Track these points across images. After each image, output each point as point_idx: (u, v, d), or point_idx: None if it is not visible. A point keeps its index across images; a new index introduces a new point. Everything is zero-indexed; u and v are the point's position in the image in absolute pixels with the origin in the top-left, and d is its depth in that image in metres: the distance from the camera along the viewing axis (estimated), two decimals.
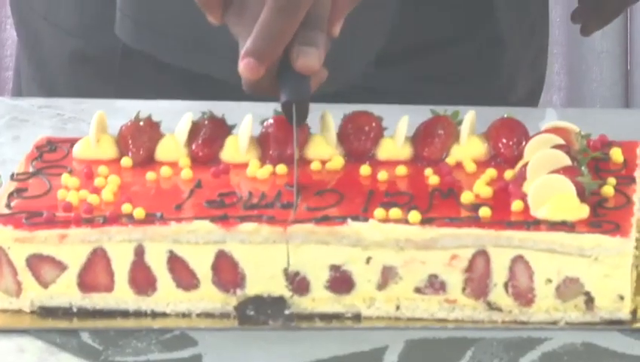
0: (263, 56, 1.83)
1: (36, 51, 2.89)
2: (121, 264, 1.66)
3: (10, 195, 1.76)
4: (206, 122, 1.87)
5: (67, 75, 2.69)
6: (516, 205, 1.65)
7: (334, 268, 1.64)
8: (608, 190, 1.69)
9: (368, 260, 1.64)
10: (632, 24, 4.17)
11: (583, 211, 1.62)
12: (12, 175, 1.85)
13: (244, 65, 1.81)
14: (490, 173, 1.72)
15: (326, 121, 1.84)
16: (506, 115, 1.90)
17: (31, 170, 1.86)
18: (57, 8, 2.76)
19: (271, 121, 1.90)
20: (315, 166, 1.80)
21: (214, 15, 1.95)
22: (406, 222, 1.62)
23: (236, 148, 1.85)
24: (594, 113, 2.52)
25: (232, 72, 2.04)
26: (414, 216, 1.61)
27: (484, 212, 1.62)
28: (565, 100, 4.97)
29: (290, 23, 1.83)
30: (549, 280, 1.63)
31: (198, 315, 1.70)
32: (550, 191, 1.66)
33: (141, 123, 1.86)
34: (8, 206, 1.72)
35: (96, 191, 1.73)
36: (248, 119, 1.82)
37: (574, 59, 4.80)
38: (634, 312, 1.65)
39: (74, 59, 2.72)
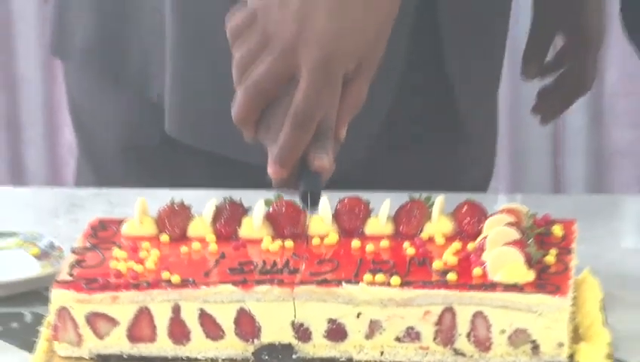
0: (285, 162, 2.01)
1: (88, 145, 3.20)
2: (162, 320, 1.87)
3: (72, 265, 1.95)
4: (227, 206, 2.09)
5: (115, 163, 2.95)
6: (477, 271, 1.87)
7: (331, 321, 1.86)
8: (550, 259, 1.94)
9: (358, 315, 1.87)
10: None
11: (530, 276, 1.84)
12: (72, 249, 2.03)
13: (271, 171, 2.01)
14: (456, 245, 1.96)
15: (324, 205, 2.06)
16: (467, 199, 2.17)
17: (87, 245, 2.03)
18: (107, 108, 3.05)
19: (278, 205, 2.16)
20: (315, 241, 2.03)
21: (249, 133, 2.11)
22: (389, 284, 1.86)
23: (251, 226, 2.08)
24: (536, 197, 2.75)
25: (260, 158, 2.26)
26: (395, 280, 1.85)
27: (451, 276, 1.86)
28: (507, 187, 4.87)
29: (305, 136, 1.99)
30: (503, 331, 1.86)
31: (224, 360, 1.90)
32: (504, 259, 1.86)
33: (175, 207, 2.08)
34: (70, 274, 1.92)
35: (141, 261, 1.94)
36: (261, 204, 2.06)
37: (515, 150, 4.78)
38: (571, 356, 1.88)
39: (120, 151, 2.96)
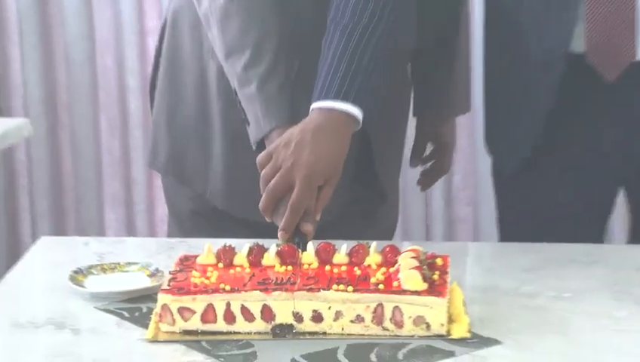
0: (287, 230, 2.23)
1: (175, 214, 3.11)
2: (220, 310, 1.97)
3: (169, 280, 2.04)
4: (255, 247, 2.17)
5: (190, 224, 2.89)
6: (395, 283, 2.00)
7: (314, 311, 1.97)
8: (435, 277, 2.04)
9: (329, 308, 1.97)
10: None
11: (424, 286, 1.98)
12: (170, 271, 2.11)
13: (280, 235, 2.24)
14: (383, 269, 2.07)
15: (310, 247, 2.19)
16: (389, 244, 2.27)
17: (177, 269, 2.11)
18: (183, 194, 3.00)
19: (283, 247, 2.20)
20: (305, 266, 2.11)
21: (268, 217, 2.31)
22: (346, 291, 1.97)
23: (269, 258, 2.12)
24: (426, 244, 2.77)
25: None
26: (350, 288, 1.98)
27: (381, 286, 1.99)
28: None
29: (296, 216, 2.23)
30: (410, 317, 1.95)
31: (254, 333, 1.98)
32: (410, 277, 1.98)
33: (226, 248, 2.16)
34: (168, 285, 2.03)
35: (207, 278, 2.03)
36: (274, 247, 2.16)
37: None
38: (448, 331, 1.96)
39: (193, 216, 2.91)
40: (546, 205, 2.65)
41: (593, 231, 2.65)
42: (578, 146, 2.58)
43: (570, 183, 2.61)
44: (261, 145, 2.54)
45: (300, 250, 2.24)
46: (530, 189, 2.70)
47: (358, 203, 2.91)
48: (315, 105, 2.32)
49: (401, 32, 2.64)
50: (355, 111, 2.30)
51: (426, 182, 3.18)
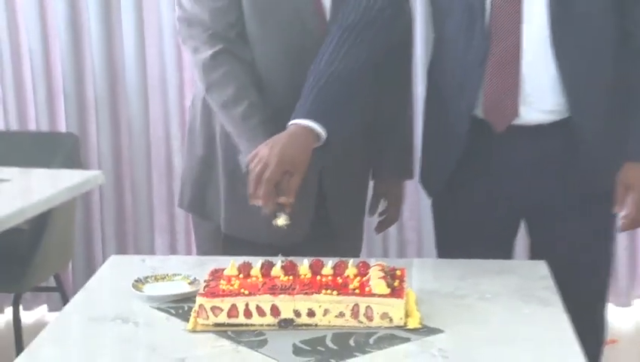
0: (264, 199, 2.18)
1: (200, 238, 3.02)
2: (241, 308, 1.95)
3: (204, 287, 2.01)
4: (265, 263, 2.11)
5: (217, 245, 2.74)
6: (367, 289, 1.98)
7: (309, 309, 1.96)
8: (397, 283, 2.02)
9: (320, 307, 1.96)
10: None
11: (388, 290, 1.97)
12: (204, 280, 2.07)
13: (262, 206, 2.23)
14: (358, 278, 2.02)
15: (304, 263, 2.12)
16: (362, 260, 2.23)
17: (210, 278, 2.06)
18: (207, 227, 2.89)
19: (285, 262, 2.13)
20: (302, 277, 2.05)
21: (253, 199, 2.25)
22: (332, 294, 1.96)
23: (276, 271, 2.07)
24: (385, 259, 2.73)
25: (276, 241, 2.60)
26: (335, 292, 1.97)
27: (357, 291, 1.98)
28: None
29: (270, 186, 2.17)
30: (378, 313, 1.95)
31: (266, 325, 1.94)
32: (378, 284, 1.97)
33: (244, 264, 2.11)
34: (204, 290, 2.01)
35: (232, 285, 2.01)
36: (279, 263, 2.10)
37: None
38: (405, 324, 1.93)
39: (216, 239, 2.76)
40: (466, 231, 2.62)
41: (503, 250, 2.64)
42: (484, 186, 2.55)
43: (482, 214, 2.58)
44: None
45: (279, 218, 2.23)
46: (454, 218, 2.67)
47: (322, 230, 2.76)
48: (291, 122, 2.31)
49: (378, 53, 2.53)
50: (317, 127, 2.27)
51: (380, 228, 3.09)
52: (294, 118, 2.33)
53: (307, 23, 2.54)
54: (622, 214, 2.49)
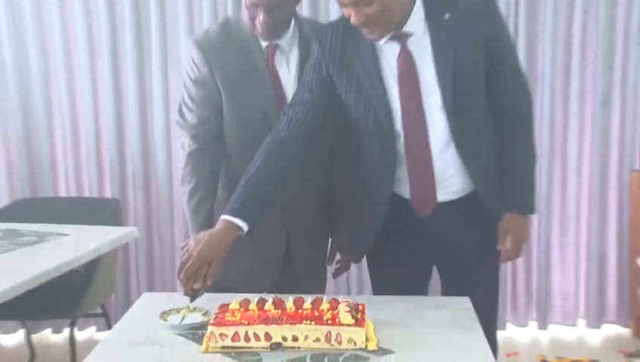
0: (184, 285, 2.11)
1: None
2: (241, 334, 1.89)
3: (214, 318, 1.95)
4: (260, 299, 2.04)
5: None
6: (337, 320, 1.91)
7: (294, 335, 1.89)
8: (359, 315, 1.94)
9: (302, 333, 1.89)
10: None
11: (352, 321, 1.91)
12: (214, 313, 1.99)
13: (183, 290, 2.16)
14: (331, 311, 1.95)
15: (289, 299, 2.06)
16: (333, 297, 2.08)
17: (218, 311, 1.98)
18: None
19: (274, 299, 2.06)
20: (288, 310, 1.97)
21: (181, 284, 2.16)
22: (310, 324, 1.90)
23: (268, 306, 1.98)
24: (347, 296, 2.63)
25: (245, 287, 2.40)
26: (312, 323, 1.91)
27: (329, 321, 1.91)
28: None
29: (188, 276, 2.07)
30: (345, 338, 1.88)
31: (260, 348, 1.88)
32: (345, 316, 1.92)
33: (244, 299, 2.02)
34: (213, 321, 1.94)
35: (234, 316, 1.94)
36: (270, 299, 2.04)
37: None
38: (366, 346, 1.87)
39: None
40: (394, 275, 2.55)
41: (421, 289, 2.59)
42: (406, 245, 2.47)
43: (403, 265, 2.52)
44: None
45: (190, 301, 2.16)
46: (386, 265, 2.59)
47: (289, 280, 2.61)
48: (222, 216, 2.23)
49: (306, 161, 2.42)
50: (240, 222, 2.18)
51: (336, 274, 2.83)
52: (224, 214, 2.25)
53: (271, 119, 2.42)
54: (503, 250, 2.47)
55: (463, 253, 2.51)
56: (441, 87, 2.27)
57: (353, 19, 2.14)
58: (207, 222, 2.51)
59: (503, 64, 2.37)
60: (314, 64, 2.36)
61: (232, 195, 2.31)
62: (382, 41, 2.25)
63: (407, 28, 2.24)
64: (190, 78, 2.49)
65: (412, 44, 2.26)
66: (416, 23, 2.25)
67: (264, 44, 2.43)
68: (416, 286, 2.55)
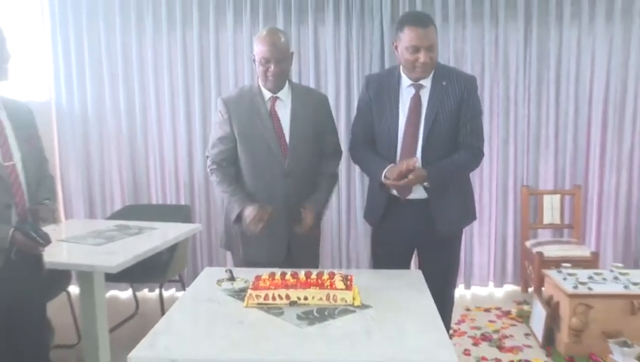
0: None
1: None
2: (270, 296, 1.86)
3: (252, 284, 1.91)
4: (282, 273, 1.96)
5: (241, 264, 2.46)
6: (334, 286, 1.89)
7: (305, 296, 1.85)
8: (348, 283, 1.90)
9: (310, 295, 1.85)
10: None
11: (344, 286, 1.88)
12: (252, 281, 1.95)
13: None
14: (329, 280, 1.90)
15: (301, 272, 1.99)
16: (331, 270, 2.02)
17: (254, 280, 1.94)
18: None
19: (290, 272, 2.01)
20: (301, 279, 1.90)
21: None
22: (316, 288, 1.86)
23: (288, 277, 1.92)
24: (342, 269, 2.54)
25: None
26: (317, 288, 1.86)
27: (328, 287, 1.88)
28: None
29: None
30: (339, 298, 1.86)
31: (283, 304, 1.87)
32: (339, 283, 1.89)
33: (271, 273, 1.97)
34: (251, 285, 1.91)
35: (265, 283, 1.89)
36: (289, 272, 1.98)
37: None
38: (352, 303, 1.85)
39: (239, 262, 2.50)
40: (387, 250, 2.45)
41: (405, 265, 2.48)
42: (395, 227, 2.39)
43: (396, 241, 2.41)
44: (237, 220, 2.34)
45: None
46: (382, 241, 2.48)
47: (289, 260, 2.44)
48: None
49: None
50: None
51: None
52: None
53: (271, 145, 2.36)
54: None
55: (429, 241, 2.41)
56: (425, 121, 2.30)
57: (424, 59, 2.24)
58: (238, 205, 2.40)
59: (467, 119, 2.35)
60: (364, 94, 2.44)
61: (373, 162, 2.33)
62: (407, 84, 2.34)
63: (422, 82, 2.33)
64: (217, 123, 2.46)
65: (422, 92, 2.34)
66: (428, 81, 2.34)
67: (267, 97, 2.40)
68: (403, 260, 2.47)
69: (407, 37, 2.24)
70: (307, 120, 2.42)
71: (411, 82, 2.33)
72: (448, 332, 2.55)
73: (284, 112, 2.40)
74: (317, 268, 2.60)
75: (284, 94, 2.42)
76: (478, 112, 2.42)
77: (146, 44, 4.18)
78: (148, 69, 4.22)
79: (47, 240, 1.95)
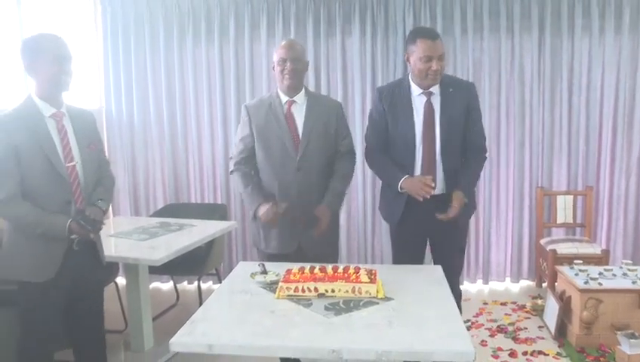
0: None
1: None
2: (300, 288, 1.87)
3: (283, 277, 1.93)
4: (311, 267, 2.00)
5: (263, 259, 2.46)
6: (359, 279, 1.90)
7: (332, 289, 1.86)
8: (372, 276, 1.91)
9: (337, 287, 1.85)
10: None
11: (369, 280, 1.89)
12: (283, 274, 1.97)
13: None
14: (355, 274, 1.92)
15: (329, 267, 2.02)
16: (356, 265, 2.04)
17: (285, 273, 1.96)
18: None
19: (319, 267, 2.03)
20: (329, 273, 1.94)
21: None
22: (342, 282, 1.86)
23: (317, 271, 1.95)
24: (365, 264, 2.52)
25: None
26: (343, 281, 1.87)
27: (354, 280, 1.89)
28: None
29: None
30: (364, 291, 1.87)
31: (312, 296, 1.87)
32: (364, 276, 1.91)
33: (301, 267, 1.99)
34: (283, 278, 1.92)
35: (295, 276, 1.92)
36: (317, 267, 2.01)
37: None
38: (377, 296, 1.86)
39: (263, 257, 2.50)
40: (406, 243, 2.47)
41: (418, 259, 2.49)
42: (413, 221, 2.40)
43: (413, 235, 2.45)
44: (254, 217, 2.43)
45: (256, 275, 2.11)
46: (402, 238, 2.48)
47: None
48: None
49: None
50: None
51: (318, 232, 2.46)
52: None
53: (286, 143, 2.41)
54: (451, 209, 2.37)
55: (442, 232, 2.42)
56: (441, 124, 2.35)
57: (435, 67, 2.29)
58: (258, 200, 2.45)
59: (473, 121, 2.43)
60: (377, 105, 2.46)
61: (390, 171, 2.37)
62: (417, 93, 2.38)
63: (432, 89, 2.38)
64: (240, 125, 2.53)
65: (432, 98, 2.38)
66: (436, 88, 2.39)
67: (284, 100, 2.47)
68: (419, 250, 2.48)
69: (420, 48, 2.31)
70: (320, 121, 2.46)
71: (422, 90, 2.39)
72: None
73: (299, 114, 2.46)
74: (336, 258, 2.58)
75: (300, 98, 2.47)
76: (480, 115, 2.50)
77: (187, 56, 4.22)
78: (188, 80, 4.25)
79: (95, 227, 2.05)
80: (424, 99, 2.39)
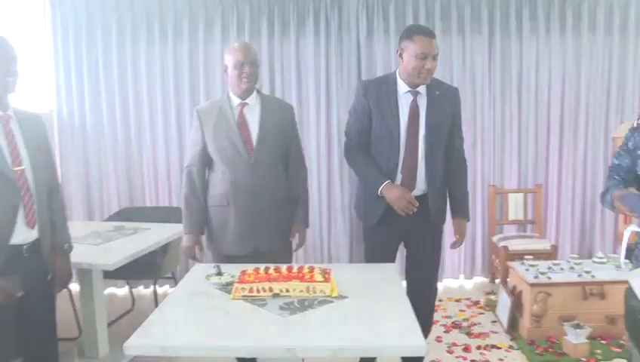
0: None
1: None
2: (255, 289, 1.85)
3: (238, 277, 1.92)
4: (266, 268, 2.01)
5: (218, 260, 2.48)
6: (314, 278, 1.90)
7: (287, 288, 1.85)
8: (326, 275, 1.93)
9: (292, 287, 1.85)
10: None
11: (323, 279, 1.90)
12: (239, 275, 1.96)
13: None
14: (309, 273, 1.93)
15: (283, 267, 2.02)
16: (311, 265, 2.06)
17: (240, 274, 1.96)
18: None
19: (274, 267, 2.04)
20: (283, 273, 1.93)
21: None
22: (297, 281, 1.87)
23: (271, 271, 1.96)
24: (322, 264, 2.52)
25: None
26: (297, 281, 1.87)
27: (309, 279, 1.89)
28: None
29: None
30: (318, 290, 1.88)
31: (266, 297, 1.88)
32: (318, 276, 1.91)
33: (255, 268, 2.00)
34: (238, 279, 1.91)
35: (250, 277, 1.91)
36: (272, 267, 2.00)
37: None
38: (330, 294, 1.88)
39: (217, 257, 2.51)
40: (379, 245, 2.44)
41: (391, 258, 2.44)
42: (387, 223, 2.39)
43: (386, 237, 2.44)
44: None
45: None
46: (375, 239, 2.46)
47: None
48: (385, 181, 2.33)
49: None
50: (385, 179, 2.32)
51: (297, 248, 2.55)
52: (384, 180, 2.31)
53: (238, 146, 2.41)
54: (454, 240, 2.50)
55: (417, 233, 2.43)
56: (426, 125, 2.35)
57: (430, 65, 2.28)
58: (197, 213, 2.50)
59: (457, 126, 2.48)
60: (361, 99, 2.41)
61: (371, 173, 2.35)
62: (404, 90, 2.35)
63: (418, 89, 2.37)
64: (192, 129, 2.53)
65: (419, 98, 2.37)
66: (423, 88, 2.37)
67: (236, 103, 2.46)
68: (390, 253, 2.45)
69: (417, 45, 2.27)
70: (273, 123, 2.46)
71: (409, 89, 2.37)
72: (432, 320, 2.57)
73: (252, 116, 2.45)
74: (291, 258, 2.57)
75: (252, 101, 2.48)
76: (461, 120, 2.54)
77: (140, 57, 4.16)
78: (142, 81, 4.20)
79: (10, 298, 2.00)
80: (410, 98, 2.36)
